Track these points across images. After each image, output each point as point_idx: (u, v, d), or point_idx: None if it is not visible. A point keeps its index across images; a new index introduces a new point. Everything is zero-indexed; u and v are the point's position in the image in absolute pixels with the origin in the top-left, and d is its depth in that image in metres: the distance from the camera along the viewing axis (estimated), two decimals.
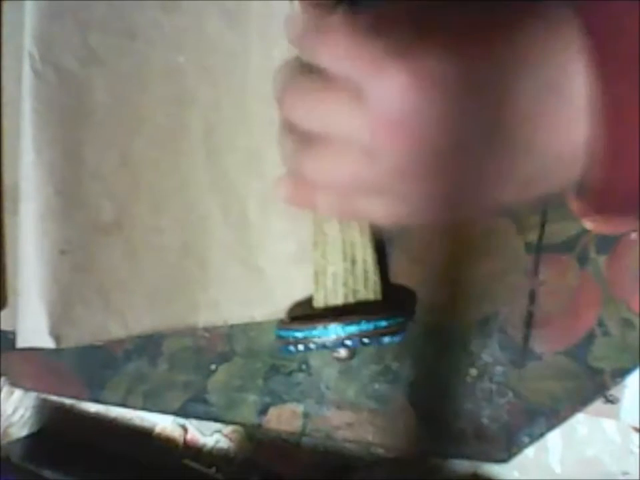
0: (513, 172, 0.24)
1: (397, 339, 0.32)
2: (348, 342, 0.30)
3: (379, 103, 0.23)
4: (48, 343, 0.31)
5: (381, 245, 0.34)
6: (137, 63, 0.33)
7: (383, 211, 0.26)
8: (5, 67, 0.35)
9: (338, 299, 0.32)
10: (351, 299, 0.32)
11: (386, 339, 0.31)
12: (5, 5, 0.34)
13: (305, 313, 0.34)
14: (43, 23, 0.32)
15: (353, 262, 0.32)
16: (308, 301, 0.34)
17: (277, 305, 0.34)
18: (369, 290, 0.33)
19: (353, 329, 0.30)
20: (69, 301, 0.32)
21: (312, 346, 0.31)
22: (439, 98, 0.22)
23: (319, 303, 0.33)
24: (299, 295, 0.34)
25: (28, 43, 0.32)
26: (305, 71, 0.27)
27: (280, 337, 0.32)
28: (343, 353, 0.33)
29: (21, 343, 0.32)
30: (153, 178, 0.33)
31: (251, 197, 0.34)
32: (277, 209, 0.34)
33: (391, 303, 0.33)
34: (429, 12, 0.23)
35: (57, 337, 0.32)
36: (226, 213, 0.34)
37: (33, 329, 0.32)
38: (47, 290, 0.32)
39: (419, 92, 0.22)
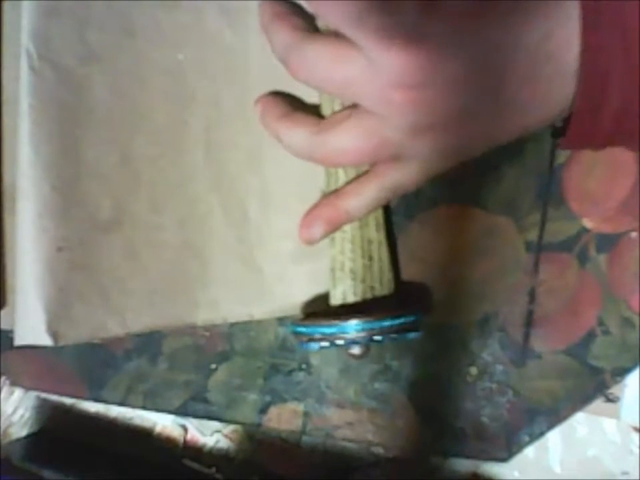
0: (511, 126, 0.27)
1: (418, 334, 0.32)
2: (377, 337, 0.30)
3: (388, 74, 0.25)
4: (46, 340, 0.31)
5: (393, 243, 0.35)
6: (136, 60, 0.33)
7: (406, 174, 0.30)
8: (5, 66, 0.35)
9: (356, 296, 0.32)
10: (368, 296, 0.32)
11: (411, 334, 0.31)
12: (5, 5, 0.34)
13: (321, 310, 0.34)
14: (41, 20, 0.32)
15: (370, 259, 0.32)
16: (320, 298, 0.34)
17: (275, 304, 0.34)
18: (384, 287, 0.33)
19: (386, 323, 0.30)
20: (66, 299, 0.32)
21: (339, 342, 0.30)
22: (443, 69, 0.25)
23: (336, 299, 0.33)
24: (297, 293, 0.34)
25: (25, 40, 0.32)
26: (306, 23, 0.29)
27: (300, 334, 0.32)
28: (357, 350, 0.32)
29: (19, 340, 0.32)
30: (153, 175, 0.33)
31: (251, 194, 0.34)
32: (277, 207, 0.34)
33: (403, 300, 0.34)
34: None
35: (54, 335, 0.31)
36: (226, 210, 0.34)
37: (31, 326, 0.32)
38: (44, 287, 0.31)
39: (424, 66, 0.24)
